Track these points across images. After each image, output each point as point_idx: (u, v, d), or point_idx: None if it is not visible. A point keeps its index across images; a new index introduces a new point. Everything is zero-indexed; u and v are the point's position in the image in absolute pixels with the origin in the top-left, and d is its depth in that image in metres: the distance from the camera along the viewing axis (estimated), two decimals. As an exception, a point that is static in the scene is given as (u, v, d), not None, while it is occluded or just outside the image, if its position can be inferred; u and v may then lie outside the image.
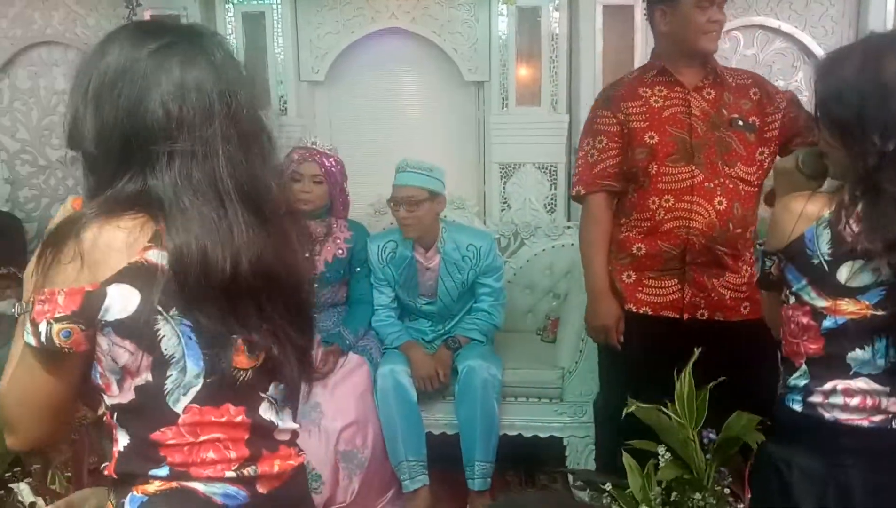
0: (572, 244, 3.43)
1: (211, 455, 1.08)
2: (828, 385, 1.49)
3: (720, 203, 2.22)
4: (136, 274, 1.02)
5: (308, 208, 2.94)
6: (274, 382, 1.15)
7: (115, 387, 1.07)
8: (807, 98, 3.57)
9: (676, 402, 1.94)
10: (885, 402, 1.46)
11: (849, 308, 1.45)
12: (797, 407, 1.52)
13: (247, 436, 1.11)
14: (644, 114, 2.29)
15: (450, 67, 3.69)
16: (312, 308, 1.21)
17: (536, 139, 3.59)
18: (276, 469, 1.13)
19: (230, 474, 1.09)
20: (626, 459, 1.98)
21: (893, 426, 1.45)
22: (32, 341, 1.02)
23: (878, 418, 1.46)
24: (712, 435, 1.93)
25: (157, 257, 1.04)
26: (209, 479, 1.08)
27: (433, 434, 2.97)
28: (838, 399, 1.47)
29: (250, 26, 3.62)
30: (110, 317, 1.02)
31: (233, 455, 1.10)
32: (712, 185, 2.23)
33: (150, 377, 1.05)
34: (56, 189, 3.99)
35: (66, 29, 3.83)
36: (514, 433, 3.02)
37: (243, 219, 1.06)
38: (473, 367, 2.86)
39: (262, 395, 1.14)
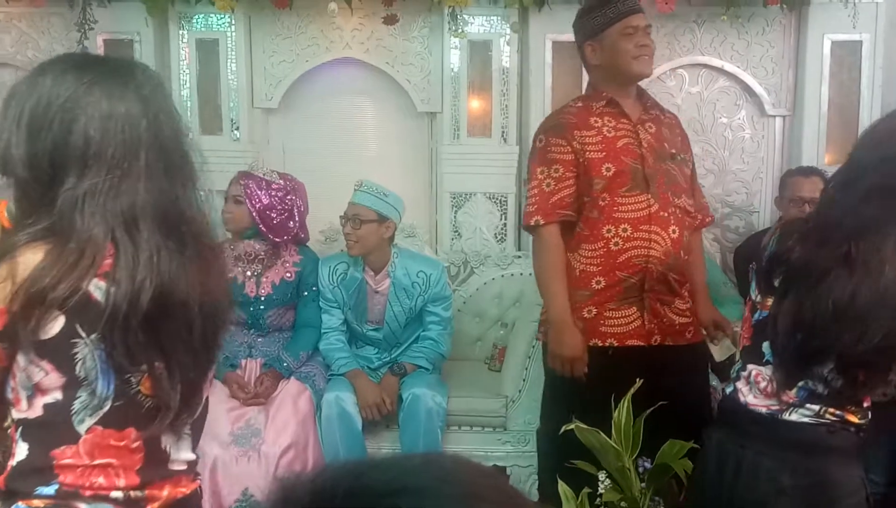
0: (521, 274, 3.48)
1: (101, 480, 1.11)
2: (746, 370, 1.71)
3: (674, 232, 2.27)
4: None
5: (228, 228, 2.96)
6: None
7: (24, 403, 1.10)
8: (749, 135, 3.71)
9: (613, 430, 1.96)
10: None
11: (769, 304, 1.68)
12: (728, 391, 1.76)
13: (140, 464, 1.14)
14: (599, 144, 2.28)
15: (403, 98, 3.73)
16: (220, 344, 1.21)
17: (487, 170, 3.64)
18: (164, 494, 1.16)
19: (116, 494, 1.11)
20: (562, 487, 2.00)
21: (783, 416, 1.63)
22: None
23: (774, 406, 1.64)
24: (647, 464, 1.96)
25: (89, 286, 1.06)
26: (94, 498, 1.10)
27: (377, 463, 2.95)
28: (750, 382, 1.69)
29: (204, 52, 3.62)
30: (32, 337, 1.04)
31: (121, 482, 1.12)
32: (666, 214, 2.27)
33: (59, 396, 1.09)
34: None
35: (17, 51, 3.79)
36: (459, 461, 3.02)
37: (165, 249, 1.09)
38: (418, 395, 2.86)
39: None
